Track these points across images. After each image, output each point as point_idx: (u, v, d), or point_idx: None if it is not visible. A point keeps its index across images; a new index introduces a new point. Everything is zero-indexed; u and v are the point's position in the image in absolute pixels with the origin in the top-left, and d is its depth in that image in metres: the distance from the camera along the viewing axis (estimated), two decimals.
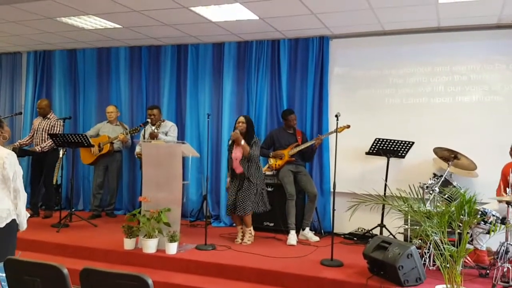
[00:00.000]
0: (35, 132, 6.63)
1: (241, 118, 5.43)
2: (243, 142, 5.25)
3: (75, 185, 6.87)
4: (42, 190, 6.78)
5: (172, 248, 4.80)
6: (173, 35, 6.41)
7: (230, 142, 5.47)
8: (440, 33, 5.73)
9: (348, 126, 5.69)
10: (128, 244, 4.95)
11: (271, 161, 5.87)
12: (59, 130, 6.55)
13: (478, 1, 4.69)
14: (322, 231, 5.99)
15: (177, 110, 7.05)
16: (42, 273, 2.39)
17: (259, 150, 5.44)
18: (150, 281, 2.14)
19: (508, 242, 4.03)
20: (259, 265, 4.48)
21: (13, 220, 3.28)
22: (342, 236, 5.83)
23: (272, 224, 6.01)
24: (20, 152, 6.31)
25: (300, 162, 5.91)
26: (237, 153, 5.32)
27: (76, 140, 6.07)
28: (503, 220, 4.11)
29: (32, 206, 6.65)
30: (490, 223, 4.14)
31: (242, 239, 5.43)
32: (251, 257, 4.78)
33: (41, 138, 6.54)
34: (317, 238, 5.66)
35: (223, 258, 4.72)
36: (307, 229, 5.73)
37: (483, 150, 5.32)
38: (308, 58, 6.27)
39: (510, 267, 3.95)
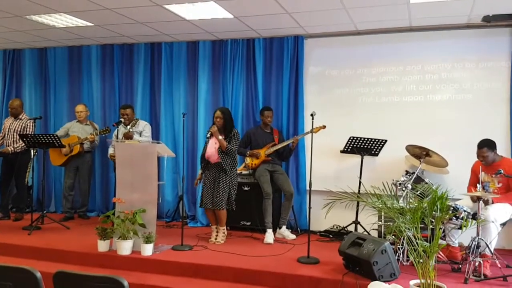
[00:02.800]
0: (6, 132, 6.46)
1: (218, 113, 5.36)
2: (220, 137, 5.24)
3: (46, 186, 6.74)
4: (12, 192, 6.62)
5: (147, 250, 4.74)
6: (147, 33, 6.34)
7: (208, 135, 5.42)
8: (411, 33, 5.84)
9: (324, 127, 5.73)
10: (102, 246, 4.87)
11: (248, 160, 5.87)
12: (31, 131, 6.39)
13: (448, 1, 4.80)
14: (299, 229, 6.03)
15: (151, 110, 6.97)
16: (14, 277, 2.33)
17: (237, 144, 5.42)
18: (125, 283, 2.12)
19: (480, 237, 4.14)
20: (236, 264, 4.47)
21: None
22: (318, 233, 5.88)
23: (249, 223, 6.01)
24: None
25: (277, 161, 5.93)
26: (212, 144, 5.31)
27: (47, 141, 5.94)
28: (474, 216, 4.22)
29: (2, 208, 6.48)
30: (462, 218, 4.24)
31: (215, 238, 5.42)
32: (228, 256, 4.77)
33: (12, 139, 6.38)
34: (293, 236, 5.69)
35: (200, 258, 4.69)
36: (284, 227, 5.75)
37: (454, 147, 5.45)
38: (283, 57, 6.29)
39: (481, 262, 4.06)
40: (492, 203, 4.45)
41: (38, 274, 2.28)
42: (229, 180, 5.33)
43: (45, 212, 6.23)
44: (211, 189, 5.34)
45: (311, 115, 4.78)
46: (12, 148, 6.32)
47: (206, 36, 6.43)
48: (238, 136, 5.45)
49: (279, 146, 5.83)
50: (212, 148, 5.32)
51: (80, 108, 6.71)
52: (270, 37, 6.35)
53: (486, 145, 4.66)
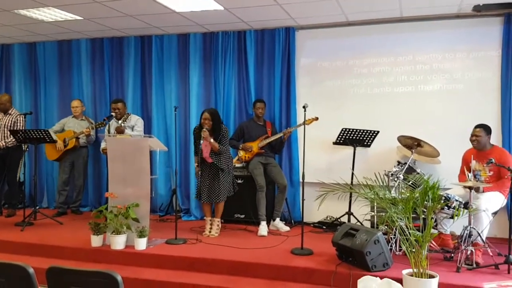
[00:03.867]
0: None
1: (206, 115, 5.27)
2: (212, 140, 5.23)
3: (38, 182, 6.69)
4: (4, 188, 6.57)
5: (141, 244, 4.74)
6: (136, 26, 6.29)
7: (202, 140, 5.32)
8: (402, 23, 5.83)
9: (317, 118, 5.73)
10: (96, 241, 4.85)
11: (241, 153, 5.87)
12: (22, 126, 6.34)
13: None
14: (292, 221, 6.05)
15: (142, 103, 6.93)
16: (7, 273, 2.33)
17: (228, 141, 5.44)
18: (119, 278, 2.11)
19: (471, 226, 4.18)
20: (230, 257, 4.48)
21: None
22: (312, 225, 5.90)
23: (242, 216, 6.02)
24: None
25: (270, 154, 5.93)
26: (206, 146, 5.30)
27: (38, 136, 5.89)
28: (466, 205, 4.25)
29: None
30: (454, 208, 4.27)
31: (210, 231, 5.42)
32: (223, 249, 4.77)
33: (3, 135, 6.32)
34: (287, 228, 5.71)
35: (194, 251, 4.69)
36: (278, 219, 5.77)
37: (445, 137, 5.48)
38: (275, 49, 6.27)
39: (473, 250, 4.10)
40: (483, 191, 4.48)
41: (31, 270, 2.27)
42: (227, 174, 5.38)
43: (37, 207, 6.20)
44: (209, 184, 5.34)
45: (303, 107, 4.78)
46: (4, 143, 6.27)
47: (197, 28, 6.39)
48: (227, 132, 5.46)
49: (272, 138, 5.83)
50: (206, 152, 5.31)
51: (75, 103, 6.67)
52: (261, 29, 6.33)
53: (482, 126, 4.73)
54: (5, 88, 7.50)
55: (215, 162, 5.30)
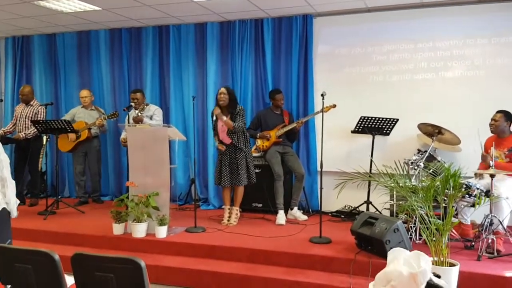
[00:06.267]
0: (18, 119, 6.52)
1: (222, 89, 5.33)
2: (225, 118, 5.24)
3: (60, 172, 6.81)
4: (27, 178, 6.71)
5: (162, 232, 4.80)
6: (154, 16, 6.30)
7: (214, 118, 5.43)
8: (422, 9, 5.73)
9: (334, 106, 5.69)
10: (117, 229, 4.94)
11: (258, 142, 5.87)
12: (42, 117, 6.44)
13: None
14: (310, 210, 6.05)
15: (161, 93, 6.97)
16: (33, 260, 2.38)
17: (244, 120, 5.39)
18: (142, 263, 2.15)
19: (493, 214, 4.13)
20: (249, 245, 4.52)
21: (4, 209, 3.25)
22: (330, 214, 5.90)
23: (260, 205, 6.05)
24: (4, 140, 6.21)
25: (287, 142, 5.92)
26: (222, 126, 5.33)
27: (59, 126, 5.98)
28: (487, 193, 4.20)
29: (17, 194, 6.55)
30: (475, 196, 4.22)
31: (228, 220, 5.46)
32: (241, 237, 4.81)
33: (24, 126, 6.44)
34: (305, 217, 5.71)
35: (214, 239, 4.74)
36: (295, 208, 5.78)
37: (466, 124, 5.38)
38: (292, 37, 6.23)
39: (494, 239, 4.06)
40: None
41: (57, 257, 2.32)
42: (245, 155, 5.38)
43: (59, 197, 6.31)
44: (229, 167, 5.36)
45: (322, 95, 4.75)
46: (24, 135, 6.38)
47: (214, 17, 6.38)
48: (243, 112, 5.43)
49: (290, 127, 5.81)
50: (221, 132, 5.34)
51: (84, 93, 6.72)
52: (279, 16, 6.29)
53: (503, 112, 4.69)
54: (26, 79, 7.62)
55: (234, 142, 5.30)
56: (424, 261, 2.81)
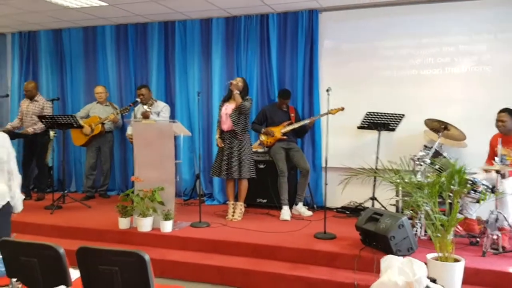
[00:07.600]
0: (24, 114, 6.56)
1: (238, 78, 5.44)
2: (237, 92, 5.27)
3: (67, 167, 6.85)
4: (33, 173, 6.76)
5: (167, 226, 4.82)
6: (160, 11, 6.31)
7: (221, 103, 5.47)
8: (429, 4, 5.70)
9: (342, 109, 5.66)
10: (123, 223, 4.97)
11: (262, 137, 5.87)
12: (49, 112, 6.48)
13: None
14: (315, 205, 6.05)
15: (166, 89, 6.98)
16: (38, 253, 2.40)
17: (250, 107, 5.41)
18: (147, 257, 2.16)
19: (498, 211, 4.11)
20: (254, 240, 4.53)
21: (8, 203, 3.27)
22: (335, 210, 5.90)
23: (265, 201, 6.05)
24: (12, 135, 6.25)
25: (292, 138, 5.91)
26: (228, 108, 5.34)
27: (65, 122, 6.02)
28: (493, 189, 4.18)
29: (24, 188, 6.61)
30: (480, 192, 4.20)
31: (232, 215, 5.47)
32: (246, 232, 4.82)
33: (31, 121, 6.48)
34: (310, 213, 5.71)
35: (218, 234, 4.76)
36: (300, 204, 5.78)
37: (472, 120, 5.36)
38: (297, 32, 6.21)
39: (499, 235, 4.04)
40: (509, 176, 4.39)
41: (62, 250, 2.34)
42: (246, 149, 5.36)
43: (66, 191, 6.35)
44: (228, 158, 5.35)
45: (327, 90, 4.74)
46: (32, 129, 6.43)
47: (219, 13, 6.37)
48: (251, 101, 5.46)
49: (296, 125, 5.79)
50: (224, 115, 5.35)
51: (99, 89, 6.77)
52: (284, 12, 6.26)
53: (507, 111, 4.64)
54: (32, 74, 7.66)
55: (234, 127, 5.29)
56: (418, 268, 2.79)
